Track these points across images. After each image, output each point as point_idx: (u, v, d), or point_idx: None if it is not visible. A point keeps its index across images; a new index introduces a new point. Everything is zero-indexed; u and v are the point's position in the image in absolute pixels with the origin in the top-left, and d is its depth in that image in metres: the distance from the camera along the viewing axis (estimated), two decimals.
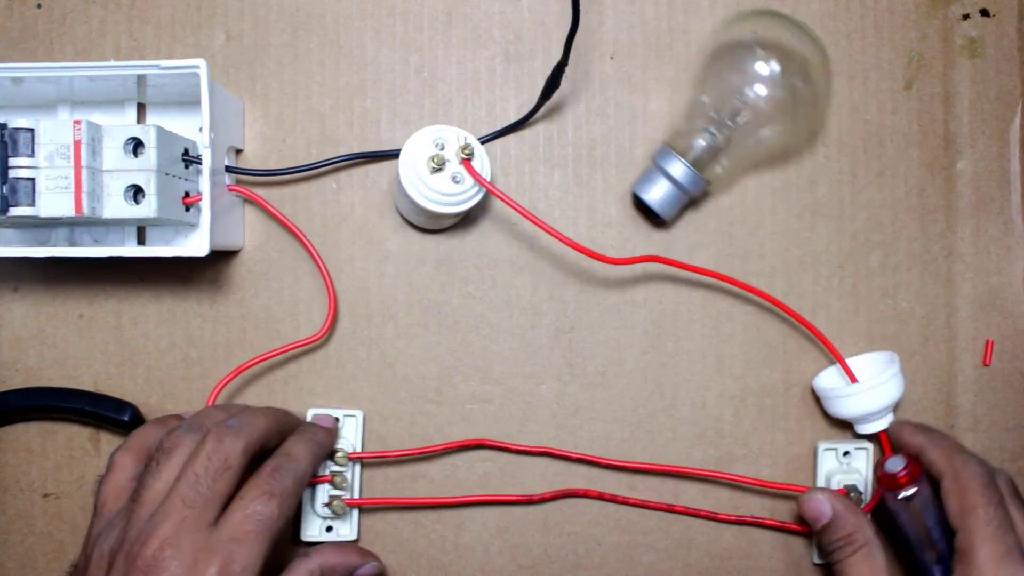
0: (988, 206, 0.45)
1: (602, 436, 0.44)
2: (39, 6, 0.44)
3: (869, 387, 0.41)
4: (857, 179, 0.45)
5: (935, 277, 0.45)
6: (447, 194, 0.39)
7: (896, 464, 0.39)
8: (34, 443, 0.44)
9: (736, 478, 0.43)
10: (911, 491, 0.38)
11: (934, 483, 0.39)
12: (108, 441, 0.44)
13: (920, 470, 0.39)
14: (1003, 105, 0.45)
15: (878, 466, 0.40)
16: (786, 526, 0.43)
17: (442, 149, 0.39)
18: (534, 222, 0.39)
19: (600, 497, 0.43)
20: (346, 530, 0.43)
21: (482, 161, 0.39)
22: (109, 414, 0.43)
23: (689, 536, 0.44)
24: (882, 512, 0.41)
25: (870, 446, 0.43)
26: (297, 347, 0.43)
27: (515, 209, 0.39)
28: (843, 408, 0.42)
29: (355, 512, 0.43)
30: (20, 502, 0.44)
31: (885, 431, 0.42)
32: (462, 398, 0.44)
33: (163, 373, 0.44)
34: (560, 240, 0.40)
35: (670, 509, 0.44)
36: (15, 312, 0.44)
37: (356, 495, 0.43)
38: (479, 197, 0.39)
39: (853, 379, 0.42)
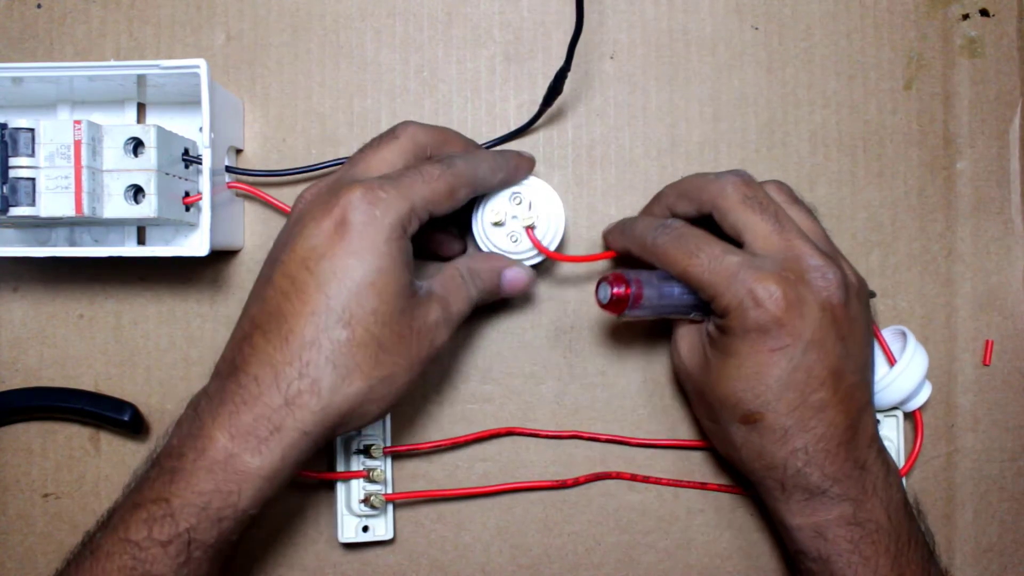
0: (988, 206, 0.45)
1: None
2: (39, 6, 0.44)
3: (907, 363, 0.40)
4: (857, 179, 0.45)
5: (935, 277, 0.45)
6: (504, 250, 0.40)
7: (604, 294, 0.37)
8: (34, 443, 0.44)
9: None
10: (634, 291, 0.37)
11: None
12: (108, 441, 0.44)
13: (621, 279, 0.37)
14: (1003, 105, 0.45)
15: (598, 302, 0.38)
16: None
17: (518, 204, 0.40)
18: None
19: (633, 479, 0.44)
20: (382, 529, 0.43)
21: (548, 227, 0.40)
22: (109, 414, 0.43)
23: (689, 536, 0.44)
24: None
25: (899, 413, 0.43)
26: None
27: (577, 260, 0.42)
28: (890, 396, 0.41)
29: (391, 509, 0.43)
30: (20, 502, 0.44)
31: (602, 304, 0.39)
32: (462, 398, 0.44)
33: (163, 373, 0.44)
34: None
35: (703, 487, 0.44)
36: (15, 312, 0.44)
37: (390, 490, 0.43)
38: (537, 260, 0.41)
39: (893, 360, 0.41)
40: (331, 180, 0.36)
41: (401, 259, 0.34)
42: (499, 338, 0.44)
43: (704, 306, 0.38)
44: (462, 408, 0.44)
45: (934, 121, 0.45)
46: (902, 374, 0.40)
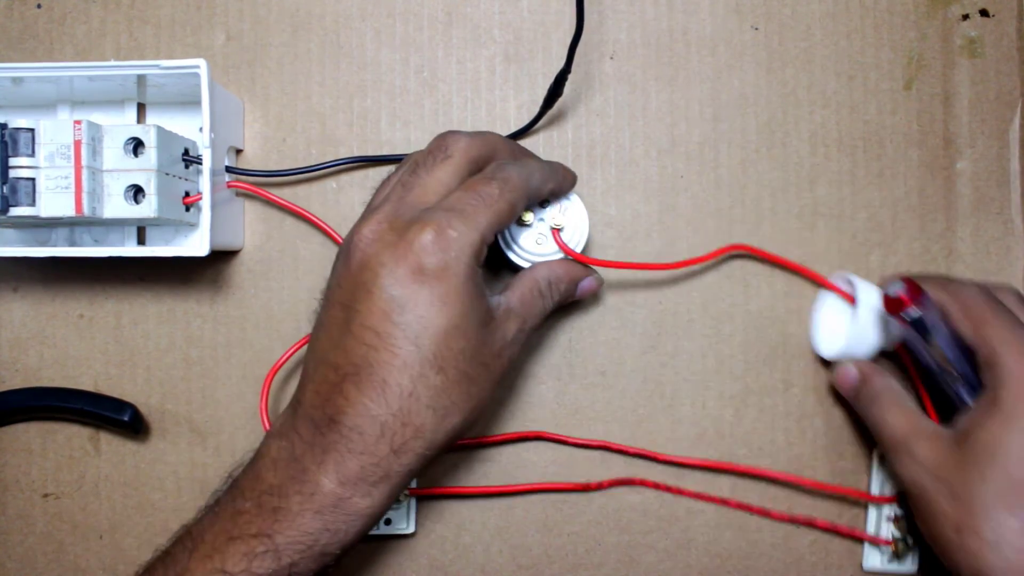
0: (988, 206, 0.45)
1: (602, 436, 0.44)
2: (39, 6, 0.44)
3: (867, 299, 0.41)
4: (857, 179, 0.45)
5: None
6: (530, 252, 0.39)
7: (896, 286, 0.37)
8: (34, 443, 0.44)
9: (790, 478, 0.43)
10: (917, 313, 0.36)
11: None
12: (108, 441, 0.44)
13: (922, 291, 0.37)
14: (1003, 105, 0.45)
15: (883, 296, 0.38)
16: (837, 528, 0.43)
17: (543, 206, 0.40)
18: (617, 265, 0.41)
19: (656, 487, 0.44)
20: (403, 523, 0.43)
21: (575, 231, 0.40)
22: (109, 414, 0.43)
23: (689, 536, 0.44)
24: (906, 353, 0.41)
25: None
26: None
27: (604, 265, 0.41)
28: (865, 338, 0.41)
29: (413, 503, 0.43)
30: (20, 502, 0.44)
31: (886, 294, 0.38)
32: None
33: (163, 373, 0.44)
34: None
35: (723, 503, 0.44)
36: (15, 312, 0.44)
37: (413, 484, 0.43)
38: None
39: (852, 299, 0.41)
40: (389, 213, 0.35)
41: (478, 292, 0.34)
42: None
43: (968, 378, 0.37)
44: None
45: (934, 121, 0.45)
46: (867, 305, 0.40)
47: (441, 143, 0.36)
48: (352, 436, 0.33)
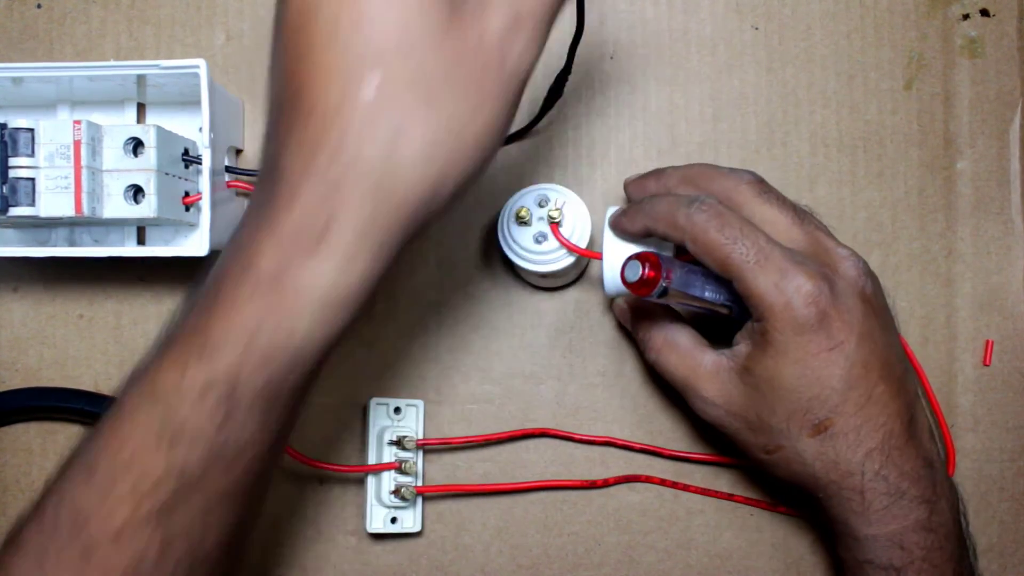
0: (988, 206, 0.45)
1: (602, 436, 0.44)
2: (39, 6, 0.44)
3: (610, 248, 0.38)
4: (857, 179, 0.45)
5: (935, 277, 0.45)
6: (530, 251, 0.39)
7: (633, 272, 0.34)
8: (34, 443, 0.44)
9: None
10: (663, 284, 0.34)
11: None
12: None
13: (654, 259, 0.34)
14: (1003, 105, 0.45)
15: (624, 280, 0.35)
16: None
17: (542, 206, 0.39)
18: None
19: (662, 483, 0.44)
20: (410, 521, 0.43)
21: (575, 227, 0.39)
22: None
23: (689, 536, 0.44)
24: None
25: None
26: None
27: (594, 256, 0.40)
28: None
29: (419, 502, 0.43)
30: (20, 502, 0.44)
31: (627, 281, 0.35)
32: (462, 398, 0.44)
33: None
34: None
35: (729, 498, 0.44)
36: (15, 312, 0.44)
37: (420, 483, 0.43)
38: (568, 260, 0.40)
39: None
40: None
41: None
42: (499, 338, 0.44)
43: (737, 303, 0.36)
44: (462, 408, 0.44)
45: (934, 121, 0.45)
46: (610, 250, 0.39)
47: None
48: (282, 181, 0.26)
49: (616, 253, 0.38)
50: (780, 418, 0.35)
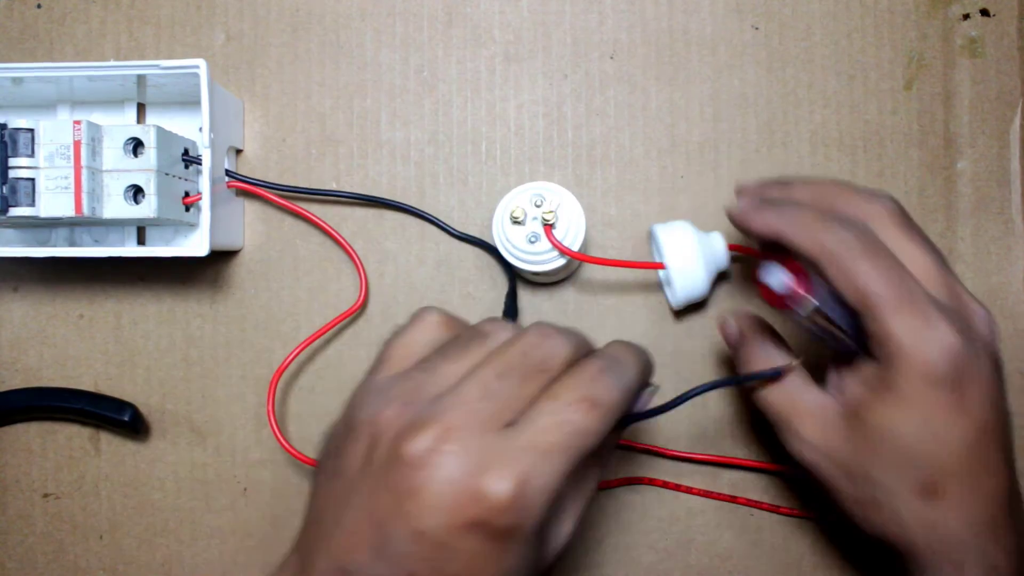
0: (988, 206, 0.45)
1: None
2: (39, 6, 0.44)
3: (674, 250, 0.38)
4: (857, 179, 0.44)
5: None
6: (523, 250, 0.39)
7: (778, 279, 0.32)
8: (34, 443, 0.44)
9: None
10: (812, 304, 0.32)
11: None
12: (108, 441, 0.44)
13: (803, 271, 0.31)
14: (1003, 105, 0.45)
15: (758, 281, 0.33)
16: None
17: (538, 206, 0.39)
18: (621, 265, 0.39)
19: (664, 485, 0.44)
20: None
21: (568, 228, 0.39)
22: (109, 414, 0.43)
23: (689, 536, 0.44)
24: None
25: None
26: (341, 319, 0.43)
27: (605, 263, 0.40)
28: (690, 285, 0.38)
29: None
30: (20, 502, 0.44)
31: (769, 288, 0.33)
32: None
33: (163, 373, 0.44)
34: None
35: (730, 499, 0.44)
36: (15, 312, 0.44)
37: None
38: (559, 262, 0.40)
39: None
40: (455, 420, 0.27)
41: (538, 540, 0.28)
42: None
43: (856, 340, 0.33)
44: None
45: (934, 121, 0.45)
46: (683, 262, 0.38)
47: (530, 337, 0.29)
48: None
49: (686, 262, 0.37)
50: (886, 472, 0.32)
